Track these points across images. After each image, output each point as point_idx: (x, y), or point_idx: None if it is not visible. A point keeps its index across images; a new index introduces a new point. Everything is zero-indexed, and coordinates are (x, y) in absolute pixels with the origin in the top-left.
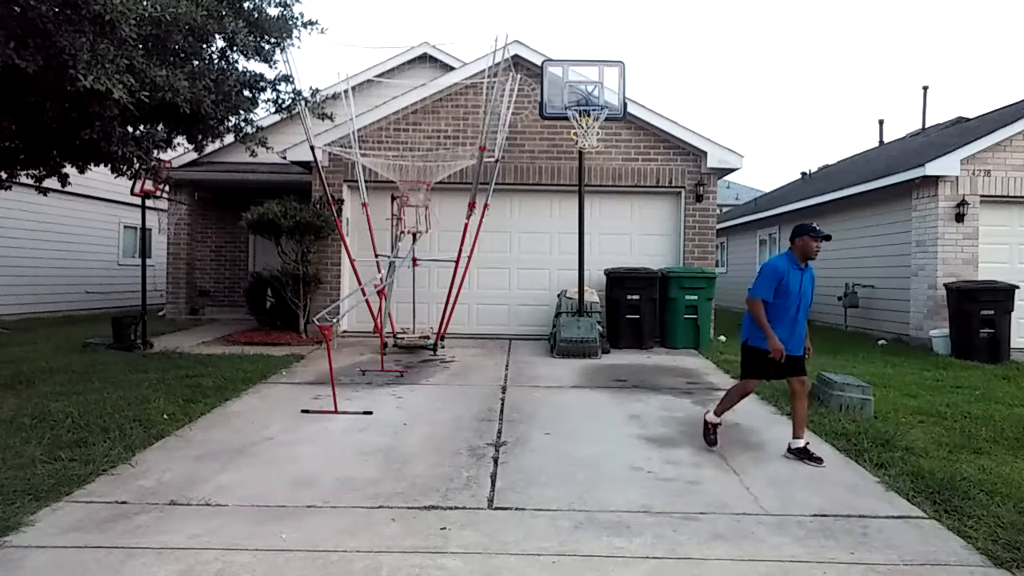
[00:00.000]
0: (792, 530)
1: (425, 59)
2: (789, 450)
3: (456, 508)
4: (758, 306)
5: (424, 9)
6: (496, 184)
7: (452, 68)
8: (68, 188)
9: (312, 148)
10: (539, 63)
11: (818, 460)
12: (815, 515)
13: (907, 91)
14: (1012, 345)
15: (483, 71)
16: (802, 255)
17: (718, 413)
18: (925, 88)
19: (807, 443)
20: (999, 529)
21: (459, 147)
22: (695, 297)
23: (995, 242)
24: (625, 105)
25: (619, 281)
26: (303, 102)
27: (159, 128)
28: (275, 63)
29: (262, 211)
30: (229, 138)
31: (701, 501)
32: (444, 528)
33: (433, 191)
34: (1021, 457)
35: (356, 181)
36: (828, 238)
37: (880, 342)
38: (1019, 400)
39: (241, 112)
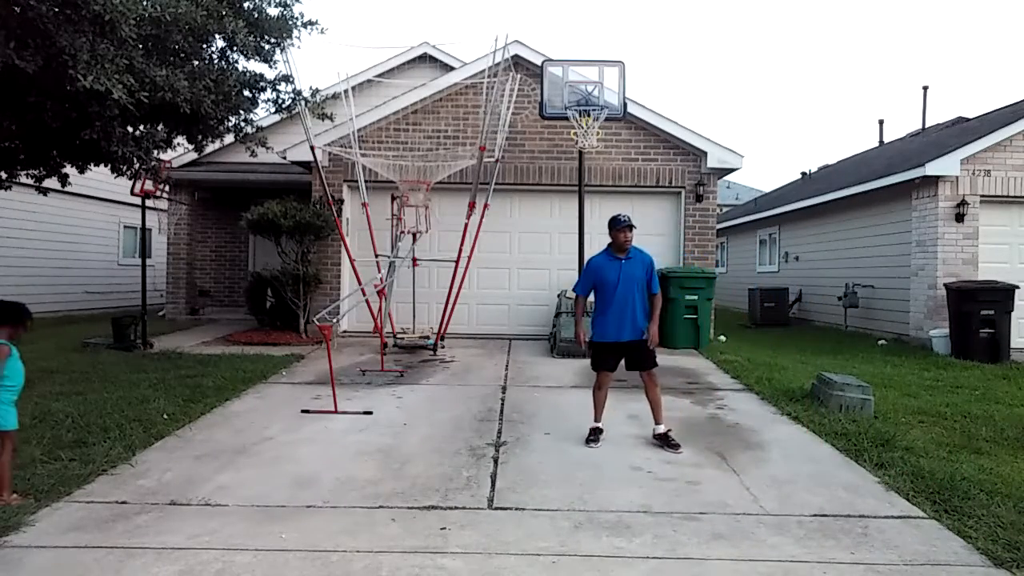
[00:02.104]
0: (792, 530)
1: (425, 59)
2: (653, 436)
3: (456, 508)
4: (577, 302)
5: (424, 9)
6: (496, 184)
7: (452, 68)
8: (68, 188)
9: (312, 148)
10: (539, 63)
11: (676, 447)
12: (815, 515)
13: (907, 91)
14: (1012, 345)
15: (483, 71)
16: (616, 247)
17: (597, 419)
18: (925, 88)
19: (668, 430)
20: (999, 529)
21: (459, 147)
22: (695, 297)
23: (995, 242)
24: (625, 105)
25: None
26: (303, 102)
27: (159, 128)
28: (275, 63)
29: (262, 211)
30: (229, 138)
31: (701, 501)
32: (444, 528)
33: (433, 191)
34: (1021, 457)
35: (356, 181)
36: (631, 227)
37: (880, 342)
38: (1019, 400)
39: (241, 112)
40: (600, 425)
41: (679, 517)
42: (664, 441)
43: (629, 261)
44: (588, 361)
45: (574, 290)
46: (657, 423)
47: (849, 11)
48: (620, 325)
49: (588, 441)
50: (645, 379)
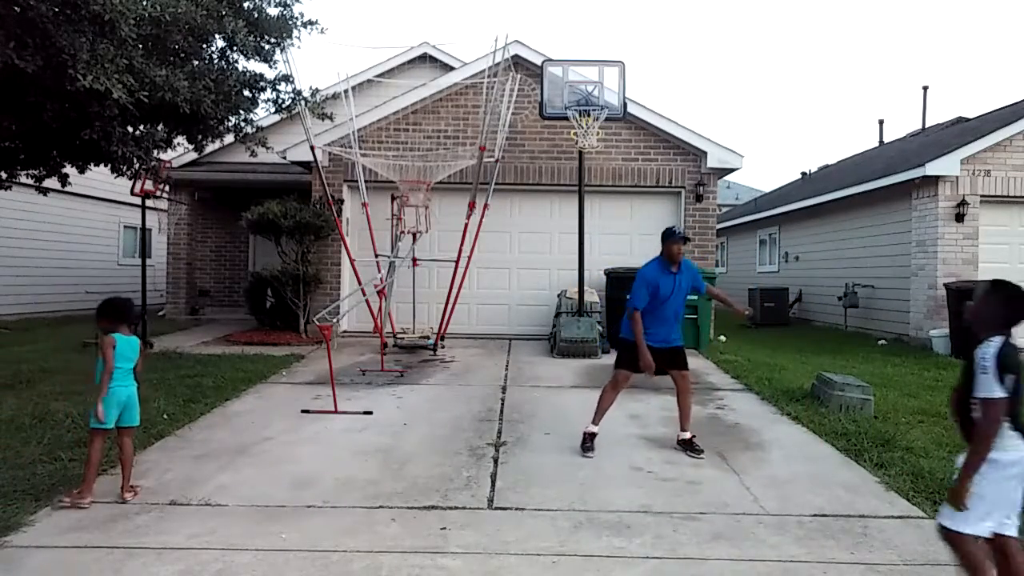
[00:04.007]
0: (792, 530)
1: (425, 59)
2: (677, 442)
3: (456, 508)
4: (635, 318)
5: (424, 9)
6: (496, 184)
7: (452, 68)
8: (68, 188)
9: (312, 148)
10: (539, 63)
11: (700, 452)
12: (815, 515)
13: (907, 91)
14: None
15: (483, 71)
16: (669, 259)
17: (596, 422)
18: (925, 88)
19: (692, 436)
20: None
21: (459, 147)
22: (695, 297)
23: (995, 242)
24: (625, 105)
25: (619, 281)
26: (303, 102)
27: (159, 128)
28: (275, 63)
29: (262, 211)
30: (229, 138)
31: (701, 501)
32: (444, 528)
33: (433, 191)
34: None
35: (356, 181)
36: (686, 240)
37: (880, 342)
38: None
39: (241, 112)
40: (597, 430)
41: (679, 517)
42: (688, 447)
43: (681, 274)
44: (588, 362)
45: (632, 305)
46: (683, 429)
47: (849, 11)
48: (666, 333)
49: (584, 449)
50: (680, 383)
